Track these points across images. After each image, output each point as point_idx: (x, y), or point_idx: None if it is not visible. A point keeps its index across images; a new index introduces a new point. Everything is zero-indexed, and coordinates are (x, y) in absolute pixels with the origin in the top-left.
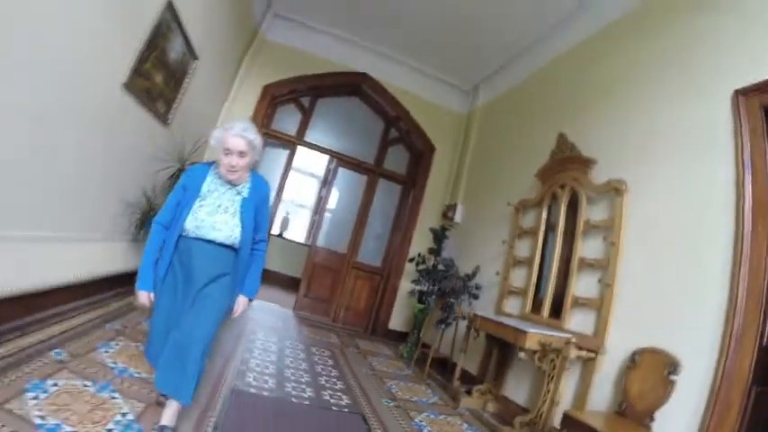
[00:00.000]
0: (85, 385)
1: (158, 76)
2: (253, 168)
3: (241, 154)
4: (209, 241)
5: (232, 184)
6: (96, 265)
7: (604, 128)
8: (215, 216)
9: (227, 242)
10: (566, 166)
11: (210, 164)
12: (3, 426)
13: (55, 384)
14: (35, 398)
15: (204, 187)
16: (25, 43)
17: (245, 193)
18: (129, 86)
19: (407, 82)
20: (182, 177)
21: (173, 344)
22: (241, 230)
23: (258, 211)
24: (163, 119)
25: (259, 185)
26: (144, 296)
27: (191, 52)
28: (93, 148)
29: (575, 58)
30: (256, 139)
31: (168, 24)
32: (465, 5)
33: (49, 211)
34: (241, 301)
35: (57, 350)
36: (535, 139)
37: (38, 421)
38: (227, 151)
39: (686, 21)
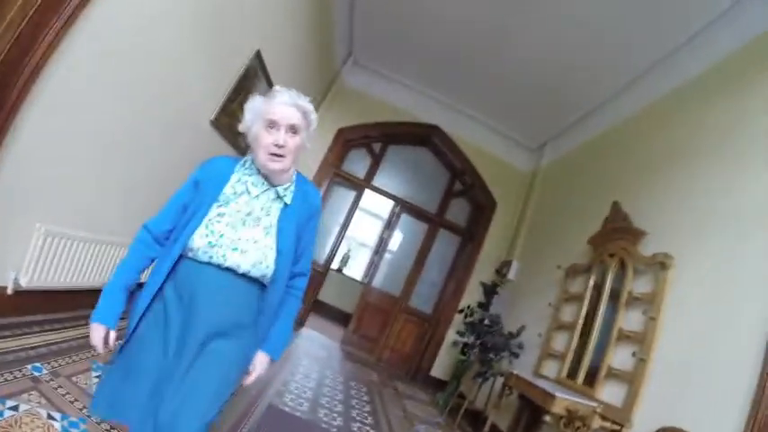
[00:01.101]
0: None
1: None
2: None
3: (292, 129)
4: (227, 269)
5: (270, 183)
6: None
7: (658, 199)
8: (240, 230)
9: (255, 273)
10: (617, 235)
11: (238, 159)
12: (67, 393)
13: None
14: (98, 377)
15: (228, 188)
16: (151, 82)
17: (288, 199)
18: (215, 123)
19: (476, 136)
20: (195, 171)
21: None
22: (276, 255)
23: (303, 230)
24: (243, 153)
25: (308, 192)
26: (98, 333)
27: None
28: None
29: (636, 124)
30: (313, 112)
31: (255, 70)
32: (537, 66)
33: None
34: (260, 360)
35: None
36: (591, 205)
37: None
38: (272, 124)
39: (750, 89)
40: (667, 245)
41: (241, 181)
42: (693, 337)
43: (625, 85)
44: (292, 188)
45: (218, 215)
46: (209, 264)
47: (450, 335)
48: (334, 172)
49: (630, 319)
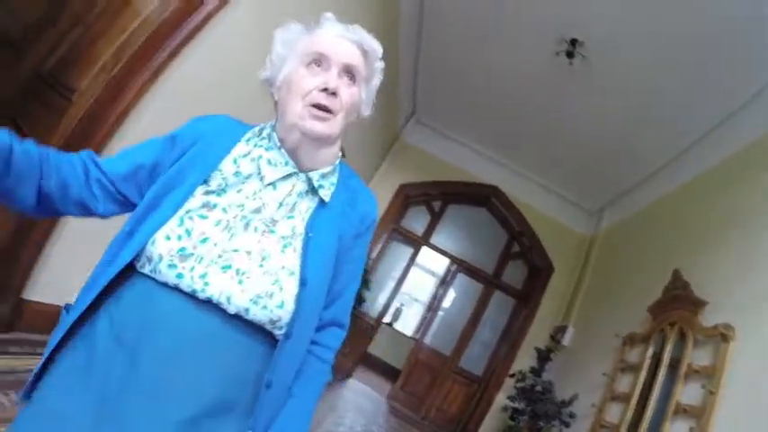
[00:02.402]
0: None
1: None
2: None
3: (349, 74)
4: (207, 303)
5: (298, 166)
6: None
7: (720, 268)
8: (239, 237)
9: (258, 315)
10: (677, 304)
11: (248, 126)
12: None
13: None
14: None
15: (227, 163)
16: None
17: (327, 194)
18: None
19: (535, 198)
20: (180, 128)
21: None
22: (299, 287)
23: (347, 252)
24: None
25: (359, 191)
26: None
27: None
28: None
29: (695, 190)
30: (380, 58)
31: None
32: (597, 132)
33: None
34: None
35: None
36: (651, 272)
37: None
38: (318, 60)
39: None
40: (729, 316)
41: (251, 156)
42: (755, 414)
43: (684, 149)
44: (334, 179)
45: (205, 206)
46: (175, 289)
47: (500, 399)
48: (392, 227)
49: (689, 393)
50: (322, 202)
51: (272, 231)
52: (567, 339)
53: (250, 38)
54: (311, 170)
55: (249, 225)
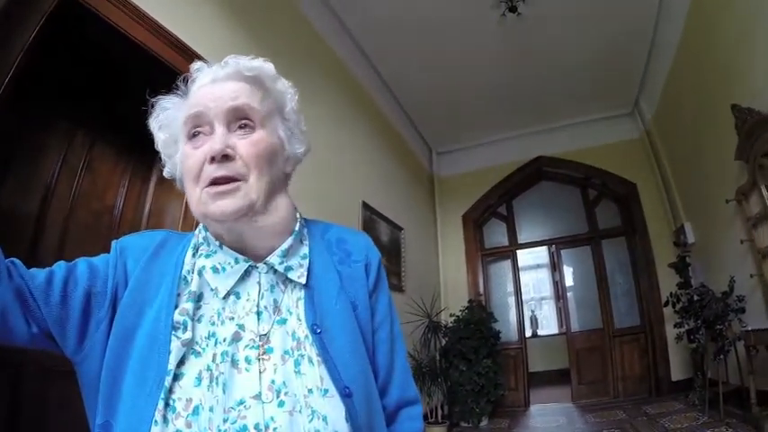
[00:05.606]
0: None
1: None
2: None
3: (239, 119)
4: None
5: (254, 253)
6: None
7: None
8: (233, 382)
9: None
10: (755, 134)
11: (182, 235)
12: None
13: None
14: None
15: (182, 299)
16: None
17: (299, 273)
18: None
19: (576, 139)
20: (115, 246)
21: None
22: (346, 404)
23: (373, 316)
24: (398, 288)
25: (345, 241)
26: None
27: (396, 227)
28: None
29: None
30: (278, 77)
31: (370, 217)
32: (576, 45)
33: None
34: None
35: None
36: (713, 122)
37: None
38: (196, 125)
39: None
40: None
41: (196, 272)
42: None
43: None
44: (305, 249)
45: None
46: None
47: (670, 332)
48: (481, 255)
49: None
50: (303, 285)
51: (270, 350)
52: (690, 237)
53: None
54: (272, 252)
55: (237, 360)
